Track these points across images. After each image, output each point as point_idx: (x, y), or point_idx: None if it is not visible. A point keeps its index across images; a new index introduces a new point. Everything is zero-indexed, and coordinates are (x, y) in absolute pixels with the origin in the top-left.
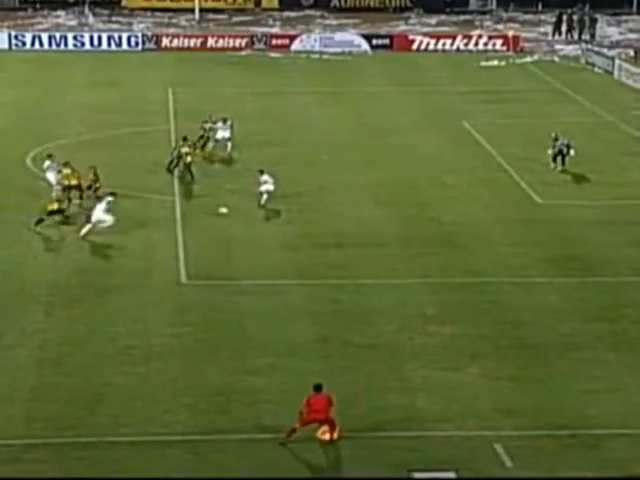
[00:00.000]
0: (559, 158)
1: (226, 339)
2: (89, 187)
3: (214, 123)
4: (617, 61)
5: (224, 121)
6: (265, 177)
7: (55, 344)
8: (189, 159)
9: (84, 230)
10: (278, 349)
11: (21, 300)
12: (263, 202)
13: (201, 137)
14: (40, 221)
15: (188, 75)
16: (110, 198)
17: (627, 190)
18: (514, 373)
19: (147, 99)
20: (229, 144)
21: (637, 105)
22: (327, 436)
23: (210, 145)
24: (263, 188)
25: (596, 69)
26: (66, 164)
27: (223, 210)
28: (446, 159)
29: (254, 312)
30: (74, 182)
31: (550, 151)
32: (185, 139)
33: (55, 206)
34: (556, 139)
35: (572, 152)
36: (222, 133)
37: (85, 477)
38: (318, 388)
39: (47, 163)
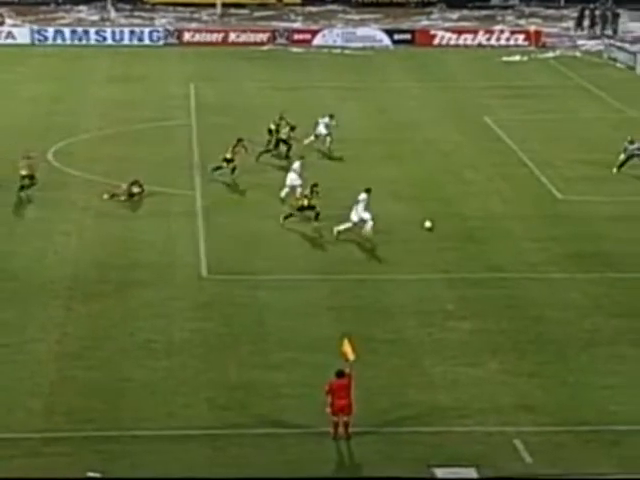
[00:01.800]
0: (638, 162)
1: (247, 334)
2: (131, 195)
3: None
4: (639, 56)
5: (331, 117)
6: (297, 165)
7: (75, 338)
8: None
9: (342, 227)
10: (299, 344)
11: (41, 295)
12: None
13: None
14: (289, 216)
15: (210, 70)
16: (365, 195)
17: None
18: (534, 369)
19: (169, 94)
20: (328, 139)
21: None
22: None
23: (311, 139)
24: (288, 181)
25: (618, 64)
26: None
27: (428, 224)
28: (467, 154)
29: (275, 307)
30: (24, 172)
31: (622, 156)
32: (240, 140)
33: (305, 202)
34: (632, 142)
35: None
36: (322, 130)
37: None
38: (341, 374)
39: None
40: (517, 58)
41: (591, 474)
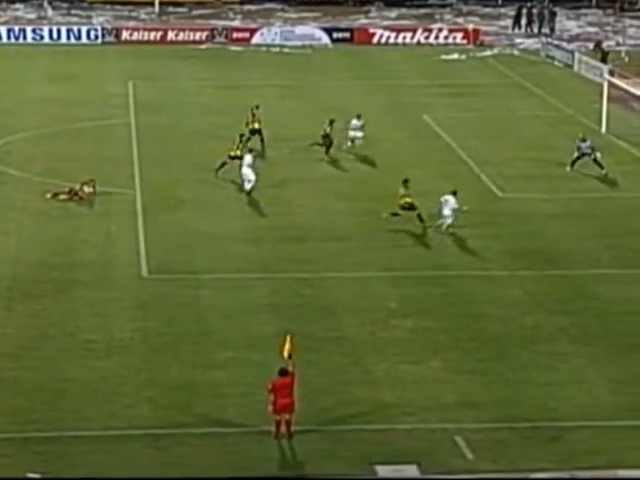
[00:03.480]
0: (590, 161)
1: (188, 333)
2: (75, 194)
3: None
4: (577, 54)
5: (358, 117)
6: (249, 159)
7: (15, 338)
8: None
9: (445, 228)
10: (241, 343)
11: None
12: (248, 189)
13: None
14: (395, 215)
15: (148, 68)
16: (450, 198)
17: (586, 183)
18: (476, 366)
19: (107, 92)
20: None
21: (596, 98)
22: None
23: (349, 144)
24: (244, 176)
25: (556, 62)
26: None
27: (443, 227)
28: (407, 152)
29: (216, 306)
30: None
31: (575, 153)
32: (242, 136)
33: (407, 200)
34: (584, 140)
35: (598, 154)
36: (355, 132)
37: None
38: (283, 372)
39: None
40: (456, 56)
41: (531, 470)
